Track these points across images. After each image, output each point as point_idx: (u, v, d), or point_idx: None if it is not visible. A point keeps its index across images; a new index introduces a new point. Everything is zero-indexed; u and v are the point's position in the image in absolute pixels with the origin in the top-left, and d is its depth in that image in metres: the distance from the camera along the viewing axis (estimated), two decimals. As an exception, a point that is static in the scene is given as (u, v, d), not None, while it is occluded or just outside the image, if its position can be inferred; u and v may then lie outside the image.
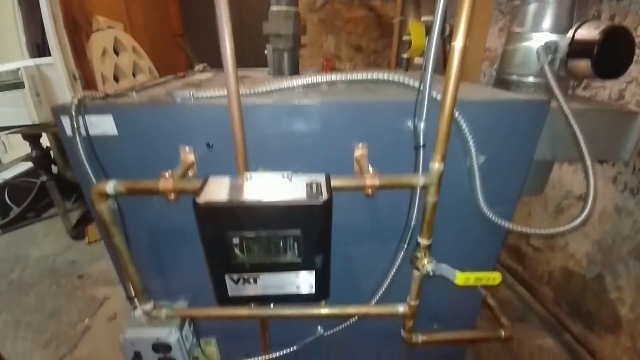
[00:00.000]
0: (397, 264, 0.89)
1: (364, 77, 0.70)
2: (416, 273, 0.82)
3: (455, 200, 0.87)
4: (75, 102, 0.72)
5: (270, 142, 0.75)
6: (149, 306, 0.87)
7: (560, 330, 1.88)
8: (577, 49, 0.89)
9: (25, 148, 3.07)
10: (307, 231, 0.62)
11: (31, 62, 2.53)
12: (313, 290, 0.71)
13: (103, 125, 0.73)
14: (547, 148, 0.99)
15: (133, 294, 0.92)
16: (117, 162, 0.75)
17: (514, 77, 1.03)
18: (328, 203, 0.60)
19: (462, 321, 1.05)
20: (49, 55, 2.30)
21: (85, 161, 0.72)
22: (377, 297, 0.93)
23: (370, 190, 0.69)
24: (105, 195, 0.67)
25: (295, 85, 0.71)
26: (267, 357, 1.06)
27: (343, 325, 1.04)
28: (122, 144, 0.74)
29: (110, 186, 0.66)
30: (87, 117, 0.73)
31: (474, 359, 1.76)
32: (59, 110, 0.74)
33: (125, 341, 0.89)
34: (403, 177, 0.71)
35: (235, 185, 0.62)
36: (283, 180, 0.62)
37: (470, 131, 0.74)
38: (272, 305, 0.87)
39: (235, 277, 0.68)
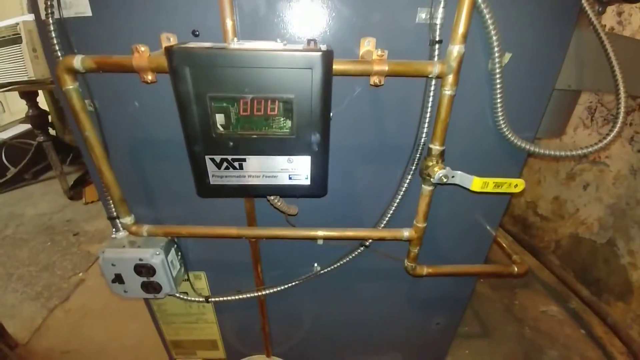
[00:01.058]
0: (404, 188, 0.81)
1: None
2: (425, 189, 0.74)
3: (471, 117, 0.79)
4: (49, -23, 0.64)
5: (262, 30, 0.66)
6: (128, 219, 0.80)
7: (566, 298, 1.82)
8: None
9: (24, 113, 3.03)
10: (303, 94, 0.53)
11: (30, 17, 2.46)
12: (308, 182, 0.63)
13: (77, 4, 0.65)
14: (573, 75, 0.90)
15: (115, 214, 0.86)
16: (91, 48, 0.67)
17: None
18: (329, 55, 0.51)
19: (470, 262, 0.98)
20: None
21: (56, 44, 0.64)
22: (382, 225, 0.86)
23: (377, 78, 0.60)
24: (72, 72, 0.59)
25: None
26: (258, 293, 1.00)
27: (340, 263, 0.97)
28: (97, 28, 0.66)
29: (77, 60, 0.58)
30: (60, -4, 0.65)
31: (476, 323, 1.71)
32: (34, -9, 0.66)
33: (105, 261, 0.83)
34: (416, 63, 0.62)
35: (220, 45, 0.54)
36: (277, 44, 0.53)
37: (493, 23, 0.65)
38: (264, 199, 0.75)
39: (217, 159, 0.59)
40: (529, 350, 1.57)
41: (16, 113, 4.21)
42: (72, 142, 3.44)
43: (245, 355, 1.27)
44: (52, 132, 3.25)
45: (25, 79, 2.44)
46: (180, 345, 1.22)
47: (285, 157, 0.60)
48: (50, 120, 3.17)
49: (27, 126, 3.36)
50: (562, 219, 2.00)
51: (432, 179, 0.68)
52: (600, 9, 1.01)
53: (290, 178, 0.63)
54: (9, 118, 4.09)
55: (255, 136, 0.57)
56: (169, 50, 0.50)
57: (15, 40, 2.35)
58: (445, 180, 0.66)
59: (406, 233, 0.81)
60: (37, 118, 2.83)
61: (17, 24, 2.30)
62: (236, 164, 0.60)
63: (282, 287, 0.99)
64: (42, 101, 3.00)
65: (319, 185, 0.64)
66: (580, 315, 1.73)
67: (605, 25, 1.69)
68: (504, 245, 0.98)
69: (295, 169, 0.62)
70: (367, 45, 0.69)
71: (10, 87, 2.56)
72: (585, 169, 1.85)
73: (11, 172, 3.03)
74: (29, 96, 2.80)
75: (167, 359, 1.31)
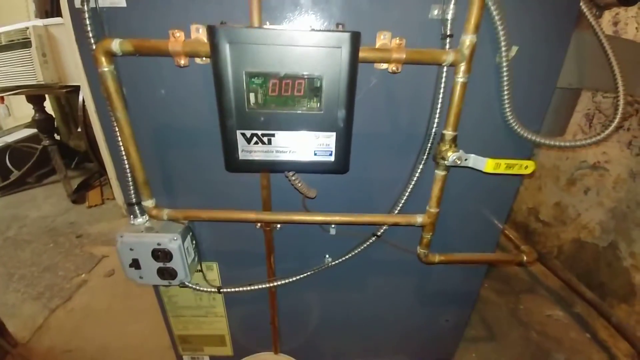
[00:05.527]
0: (417, 175, 0.84)
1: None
2: (438, 174, 0.77)
3: (479, 110, 0.82)
4: (86, -32, 0.68)
5: (287, 23, 0.70)
6: (150, 202, 0.81)
7: (571, 302, 1.82)
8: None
9: (29, 119, 3.06)
10: (332, 72, 0.57)
11: (40, 22, 2.51)
12: (332, 158, 0.66)
13: (112, -6, 0.69)
14: (574, 73, 0.95)
15: (134, 200, 0.88)
16: (123, 37, 0.71)
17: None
18: (357, 36, 0.55)
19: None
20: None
21: (90, 33, 0.68)
22: (396, 211, 0.88)
23: (395, 65, 0.64)
24: (109, 55, 0.63)
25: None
26: (271, 284, 1.01)
27: (352, 254, 0.99)
28: (130, 18, 0.70)
29: (115, 43, 0.62)
30: (95, -14, 0.69)
31: (483, 327, 1.70)
32: (68, -20, 0.70)
33: (123, 245, 0.84)
34: (431, 51, 0.66)
35: (253, 28, 0.57)
36: (306, 28, 0.57)
37: (501, 18, 0.70)
38: (286, 174, 0.76)
39: (248, 133, 0.62)
40: (536, 353, 1.57)
41: (20, 118, 4.25)
42: (77, 146, 3.47)
43: (253, 352, 1.26)
44: (57, 136, 3.29)
45: (34, 82, 2.47)
46: (187, 341, 1.21)
47: (313, 133, 0.63)
48: (55, 125, 3.21)
49: (32, 130, 3.40)
50: (563, 224, 2.03)
51: (446, 162, 0.71)
52: (597, 12, 1.07)
53: (315, 154, 0.66)
54: (13, 122, 4.13)
55: (285, 112, 0.60)
56: (211, 28, 0.54)
57: (25, 44, 2.38)
58: (459, 162, 0.69)
59: (420, 219, 0.83)
60: (43, 122, 2.86)
61: (27, 28, 2.33)
62: (265, 139, 0.63)
63: (295, 278, 1.00)
64: (47, 105, 3.04)
65: (342, 162, 0.67)
66: (585, 319, 1.74)
67: (601, 35, 1.76)
68: (512, 237, 1.01)
69: (321, 145, 0.65)
70: (384, 39, 0.73)
71: (18, 91, 2.59)
72: (586, 174, 1.89)
73: (15, 175, 3.04)
74: (36, 100, 2.83)
75: (169, 359, 1.30)
